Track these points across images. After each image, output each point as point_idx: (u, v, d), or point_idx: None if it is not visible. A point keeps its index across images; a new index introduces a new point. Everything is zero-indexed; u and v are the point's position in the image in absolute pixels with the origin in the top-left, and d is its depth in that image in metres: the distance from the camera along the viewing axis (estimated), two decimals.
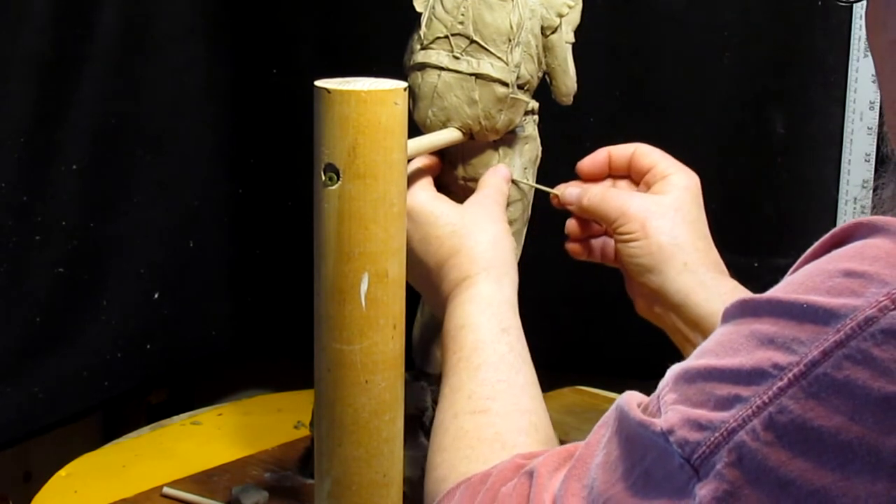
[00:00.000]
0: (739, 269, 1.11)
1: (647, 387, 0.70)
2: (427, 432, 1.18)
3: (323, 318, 0.92)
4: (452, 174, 1.12)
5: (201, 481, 1.32)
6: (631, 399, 0.68)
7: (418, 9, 1.10)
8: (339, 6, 1.65)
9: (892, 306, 0.56)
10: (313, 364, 0.94)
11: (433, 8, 1.09)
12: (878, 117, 1.53)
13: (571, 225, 1.13)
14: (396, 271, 0.93)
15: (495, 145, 1.11)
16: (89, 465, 1.38)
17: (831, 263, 0.60)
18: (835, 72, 1.57)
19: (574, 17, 1.10)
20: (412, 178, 1.06)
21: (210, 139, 1.68)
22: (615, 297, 1.14)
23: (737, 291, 1.03)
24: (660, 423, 0.63)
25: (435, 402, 1.19)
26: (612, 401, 0.73)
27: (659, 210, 1.06)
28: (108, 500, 1.28)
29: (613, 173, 1.13)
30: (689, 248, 1.05)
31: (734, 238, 1.27)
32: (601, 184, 1.13)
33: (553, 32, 1.09)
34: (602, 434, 0.70)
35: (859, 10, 1.52)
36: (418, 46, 1.09)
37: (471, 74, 1.07)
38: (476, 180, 1.11)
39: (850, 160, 1.58)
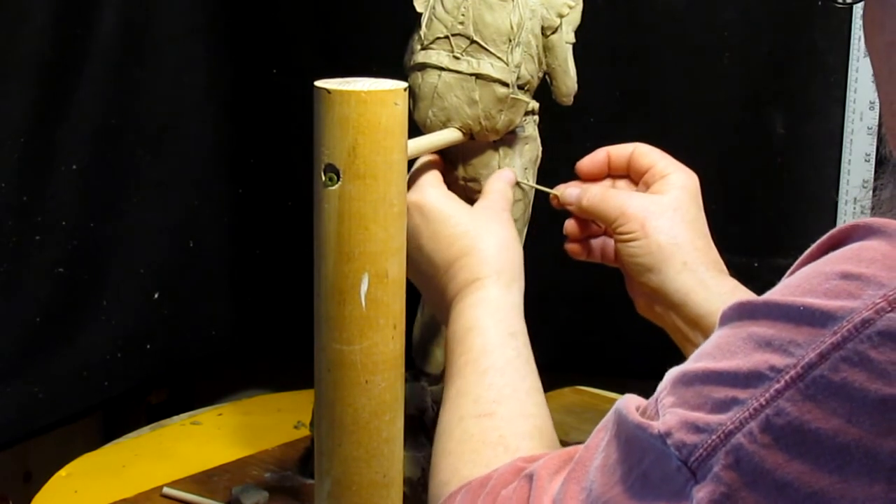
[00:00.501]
0: (739, 269, 1.11)
1: (647, 387, 0.70)
2: (427, 432, 1.18)
3: (323, 319, 0.92)
4: (453, 174, 1.12)
5: (201, 481, 1.32)
6: (629, 402, 0.68)
7: (418, 9, 1.09)
8: (339, 6, 1.65)
9: (889, 308, 0.56)
10: (313, 364, 0.94)
11: (433, 8, 1.08)
12: (877, 117, 1.53)
13: (571, 225, 1.13)
14: (396, 271, 0.92)
15: (495, 146, 1.11)
16: (89, 465, 1.38)
17: (828, 266, 0.60)
18: (835, 72, 1.57)
19: (574, 18, 1.10)
20: (423, 174, 1.05)
21: (210, 139, 1.68)
22: (615, 297, 1.14)
23: (737, 290, 1.03)
24: (657, 425, 0.63)
25: (435, 402, 1.19)
26: (612, 401, 0.73)
27: (658, 209, 1.06)
28: (108, 500, 1.28)
29: (613, 173, 1.13)
30: (689, 248, 1.05)
31: (734, 238, 1.27)
32: (600, 184, 1.12)
33: (553, 33, 1.09)
34: (601, 437, 0.70)
35: (859, 11, 1.51)
36: (418, 46, 1.09)
37: (471, 75, 1.07)
38: (476, 180, 1.11)
39: (850, 160, 1.58)
